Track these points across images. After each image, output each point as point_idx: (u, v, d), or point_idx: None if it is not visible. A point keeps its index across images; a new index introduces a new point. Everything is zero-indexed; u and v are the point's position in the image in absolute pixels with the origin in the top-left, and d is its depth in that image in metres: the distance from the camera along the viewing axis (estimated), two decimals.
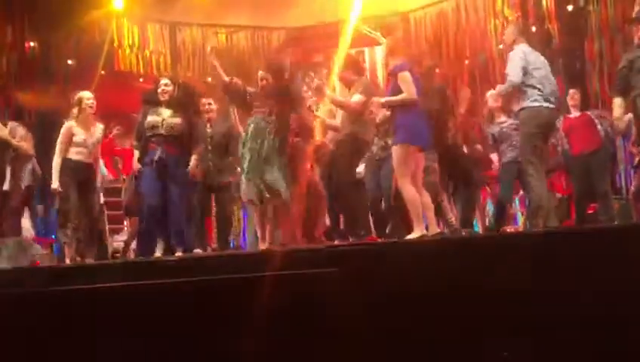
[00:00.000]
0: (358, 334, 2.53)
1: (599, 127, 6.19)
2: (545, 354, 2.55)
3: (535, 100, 4.68)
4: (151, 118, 5.17)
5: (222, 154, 5.76)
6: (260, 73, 5.27)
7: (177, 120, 5.16)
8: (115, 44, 9.72)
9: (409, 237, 4.31)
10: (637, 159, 6.41)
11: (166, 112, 5.18)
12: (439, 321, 2.53)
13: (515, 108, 4.88)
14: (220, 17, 10.47)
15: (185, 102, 5.29)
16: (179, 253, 4.96)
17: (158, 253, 5.03)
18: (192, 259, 3.88)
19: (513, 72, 4.71)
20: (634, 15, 4.57)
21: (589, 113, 6.34)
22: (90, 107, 5.42)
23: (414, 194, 4.33)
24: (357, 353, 2.50)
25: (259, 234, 5.25)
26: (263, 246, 5.06)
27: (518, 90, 4.72)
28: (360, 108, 5.07)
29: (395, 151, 4.40)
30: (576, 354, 2.57)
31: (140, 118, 5.31)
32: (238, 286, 2.63)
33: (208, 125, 5.79)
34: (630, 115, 5.01)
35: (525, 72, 4.68)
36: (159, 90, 5.26)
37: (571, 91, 6.49)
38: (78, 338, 2.48)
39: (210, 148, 5.68)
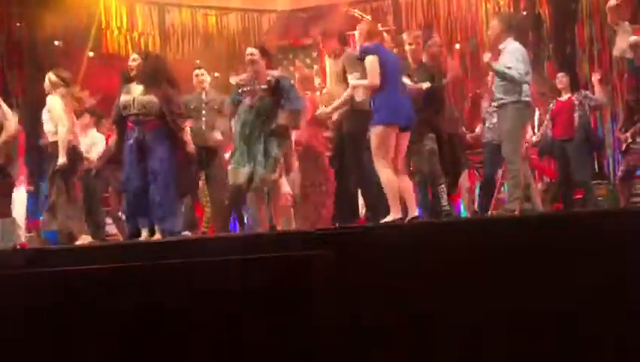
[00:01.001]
0: (347, 318, 2.55)
1: (576, 113, 6.25)
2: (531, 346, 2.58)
3: (527, 95, 4.76)
4: (123, 98, 4.90)
5: (215, 121, 5.70)
6: (250, 49, 5.05)
7: (149, 97, 4.83)
8: (104, 25, 9.61)
9: (384, 220, 4.30)
10: (624, 145, 6.45)
11: (137, 90, 4.89)
12: (422, 308, 2.55)
13: (503, 97, 4.87)
14: None
15: (156, 75, 4.92)
16: (159, 236, 4.76)
17: (143, 237, 4.81)
18: (179, 242, 3.88)
19: (517, 67, 4.70)
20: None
21: (573, 98, 6.37)
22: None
23: (391, 177, 4.30)
24: (342, 336, 2.52)
25: (258, 217, 5.20)
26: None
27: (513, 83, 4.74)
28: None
29: (373, 132, 4.36)
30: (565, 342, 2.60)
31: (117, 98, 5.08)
32: (225, 268, 2.64)
33: (204, 93, 5.78)
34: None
35: (526, 66, 4.74)
36: (128, 66, 5.04)
37: (559, 75, 6.55)
38: (59, 322, 2.48)
39: (204, 112, 5.66)
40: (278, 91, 4.90)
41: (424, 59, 5.43)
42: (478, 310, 2.61)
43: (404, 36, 5.59)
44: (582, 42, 8.78)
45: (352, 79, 4.91)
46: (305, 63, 10.48)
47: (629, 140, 6.20)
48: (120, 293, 2.44)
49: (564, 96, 6.40)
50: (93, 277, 2.51)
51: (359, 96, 4.93)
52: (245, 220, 6.49)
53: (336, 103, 5.08)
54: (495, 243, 2.75)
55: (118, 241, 6.13)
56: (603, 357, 2.54)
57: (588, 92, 6.44)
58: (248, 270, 2.51)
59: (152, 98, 4.83)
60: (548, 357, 2.58)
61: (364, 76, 4.53)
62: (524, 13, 9.05)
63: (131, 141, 4.85)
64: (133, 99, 4.85)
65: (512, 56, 4.77)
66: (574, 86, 6.45)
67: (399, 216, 4.28)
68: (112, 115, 5.17)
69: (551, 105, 6.45)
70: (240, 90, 5.02)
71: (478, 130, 6.38)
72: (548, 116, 6.45)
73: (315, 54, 10.44)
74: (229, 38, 10.68)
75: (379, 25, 6.12)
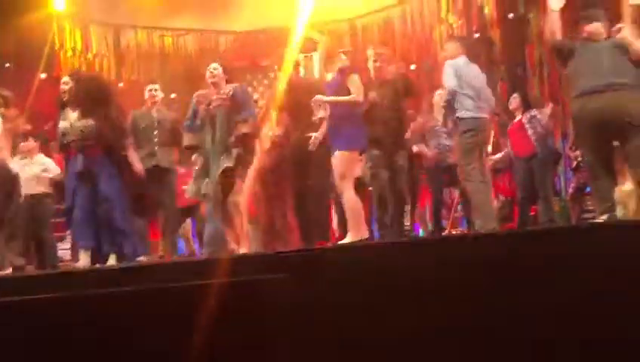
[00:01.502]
0: (305, 340, 2.53)
1: (529, 131, 6.36)
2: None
3: (470, 110, 4.82)
4: (61, 125, 4.74)
5: (167, 139, 5.55)
6: (213, 64, 4.99)
7: (85, 121, 4.60)
8: (57, 46, 9.45)
9: (345, 241, 4.33)
10: (574, 162, 6.65)
11: (73, 115, 4.69)
12: (380, 328, 2.55)
13: (450, 115, 4.98)
14: (167, 20, 10.34)
15: (90, 98, 4.71)
16: (112, 261, 4.59)
17: (82, 263, 4.57)
18: (135, 267, 3.79)
19: (447, 81, 4.84)
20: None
21: (521, 118, 6.49)
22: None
23: (355, 199, 4.37)
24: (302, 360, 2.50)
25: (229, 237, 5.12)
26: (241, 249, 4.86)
27: (455, 100, 4.84)
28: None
29: (337, 157, 4.42)
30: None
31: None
32: (182, 294, 2.59)
33: (155, 111, 5.60)
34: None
35: (459, 81, 4.80)
36: (61, 90, 4.90)
37: (511, 97, 6.69)
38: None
39: (156, 133, 5.49)
40: (234, 101, 4.83)
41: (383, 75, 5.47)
42: (435, 330, 2.63)
43: (369, 52, 5.61)
44: (532, 64, 9.07)
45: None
46: (263, 84, 10.53)
47: (579, 158, 6.41)
48: (64, 324, 2.36)
49: (518, 117, 6.53)
50: (32, 308, 2.43)
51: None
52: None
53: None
54: (454, 263, 2.77)
55: (65, 268, 5.89)
56: None
57: (535, 111, 6.60)
58: (203, 296, 2.47)
59: (89, 122, 4.60)
60: None
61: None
62: (477, 35, 9.30)
63: (75, 168, 4.64)
64: (70, 126, 4.66)
65: (445, 72, 4.89)
66: (526, 106, 6.61)
67: (366, 235, 4.32)
68: (58, 142, 4.99)
69: (510, 125, 6.57)
70: (197, 105, 4.92)
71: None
72: (508, 135, 6.59)
73: (272, 75, 10.48)
74: (186, 58, 10.64)
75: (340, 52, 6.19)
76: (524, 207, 6.52)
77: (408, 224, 5.54)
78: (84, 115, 4.63)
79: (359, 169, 5.27)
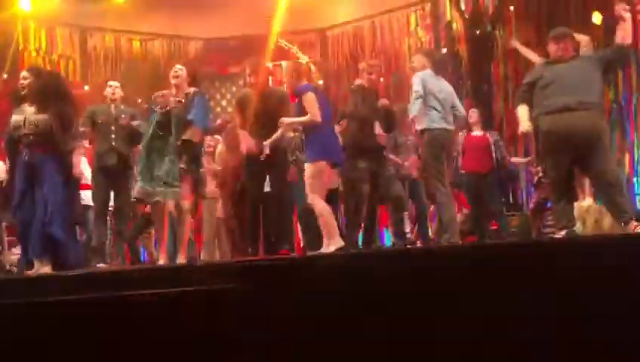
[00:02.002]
0: (269, 352, 2.52)
1: (494, 153, 6.41)
2: None
3: (435, 122, 4.88)
4: (14, 118, 4.56)
5: (126, 136, 5.40)
6: (178, 66, 5.01)
7: (41, 116, 4.48)
8: (21, 47, 9.27)
9: (323, 250, 4.34)
10: (536, 178, 6.78)
11: (29, 109, 4.55)
12: (352, 339, 2.55)
13: (418, 127, 5.05)
14: (135, 24, 10.24)
15: (48, 92, 4.58)
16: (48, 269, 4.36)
17: (36, 269, 4.37)
18: (95, 275, 3.72)
19: (415, 89, 4.90)
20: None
21: (488, 136, 6.53)
22: None
23: (326, 208, 4.42)
24: None
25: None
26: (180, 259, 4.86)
27: (422, 112, 4.90)
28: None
29: (307, 167, 4.47)
30: None
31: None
32: (143, 303, 2.55)
33: (113, 106, 5.46)
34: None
35: (425, 93, 4.87)
36: (19, 85, 4.73)
37: (470, 110, 6.64)
38: None
39: (113, 128, 5.36)
40: (190, 105, 4.80)
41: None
42: (405, 341, 2.64)
43: (362, 65, 5.65)
44: (497, 79, 9.25)
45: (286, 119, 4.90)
46: (231, 92, 10.50)
47: (540, 174, 6.54)
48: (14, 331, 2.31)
49: (476, 132, 6.52)
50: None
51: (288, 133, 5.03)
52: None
53: (301, 119, 4.67)
54: (426, 275, 2.80)
55: (16, 275, 5.67)
56: None
57: (496, 134, 6.67)
58: (160, 305, 2.44)
59: (45, 117, 4.49)
60: None
61: (297, 114, 4.58)
62: (444, 50, 9.45)
63: (22, 165, 4.50)
64: (25, 119, 4.51)
65: (413, 82, 4.96)
66: (486, 122, 6.64)
67: (342, 244, 4.32)
68: (4, 138, 4.83)
69: (460, 138, 6.45)
70: (156, 105, 4.87)
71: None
72: (459, 149, 6.48)
73: (241, 82, 10.46)
74: (153, 63, 10.55)
75: (309, 63, 6.24)
76: (478, 221, 6.50)
77: (408, 231, 5.55)
78: (40, 110, 4.51)
79: (335, 181, 5.29)
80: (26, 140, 4.48)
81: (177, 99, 4.82)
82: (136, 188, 4.86)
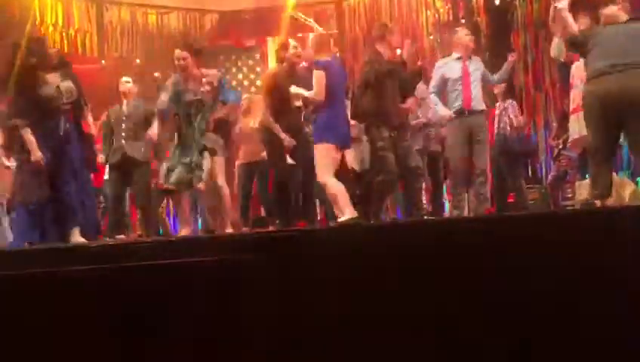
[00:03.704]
0: (286, 322, 2.53)
1: (495, 124, 6.42)
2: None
3: (456, 108, 5.05)
4: (44, 90, 4.39)
5: (138, 133, 5.50)
6: (177, 52, 4.85)
7: (68, 83, 4.47)
8: (38, 21, 9.28)
9: (341, 220, 4.34)
10: (556, 151, 6.70)
11: (54, 78, 4.47)
12: (362, 309, 2.56)
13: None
14: None
15: (60, 58, 4.68)
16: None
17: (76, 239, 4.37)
18: (114, 246, 3.77)
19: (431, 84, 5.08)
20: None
21: (494, 109, 6.50)
22: None
23: (337, 184, 4.38)
24: (283, 343, 2.50)
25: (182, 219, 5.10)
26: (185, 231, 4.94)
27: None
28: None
29: (316, 149, 4.45)
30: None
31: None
32: (161, 272, 2.58)
33: (125, 105, 5.55)
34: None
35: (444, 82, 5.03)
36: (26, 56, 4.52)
37: None
38: None
39: (123, 126, 5.45)
40: (217, 90, 4.84)
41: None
42: (417, 314, 2.64)
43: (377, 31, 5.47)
44: (517, 50, 9.08)
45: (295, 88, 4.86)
46: (247, 65, 10.46)
47: (560, 146, 6.46)
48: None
49: (498, 104, 6.53)
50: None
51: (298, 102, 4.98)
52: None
53: (304, 93, 4.73)
54: (434, 246, 2.79)
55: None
56: None
57: (509, 102, 6.60)
58: (177, 274, 2.47)
59: (70, 83, 4.46)
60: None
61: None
62: (463, 21, 9.29)
63: (66, 137, 4.42)
64: (58, 87, 4.40)
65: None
66: (510, 93, 6.61)
67: (355, 214, 4.32)
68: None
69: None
70: (179, 89, 4.82)
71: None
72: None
73: (257, 56, 10.42)
74: (169, 37, 10.53)
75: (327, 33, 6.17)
76: (499, 194, 6.54)
77: (426, 203, 5.48)
78: (63, 76, 4.47)
79: (350, 159, 5.24)
80: (63, 108, 4.39)
81: (205, 88, 4.76)
82: (172, 177, 4.72)
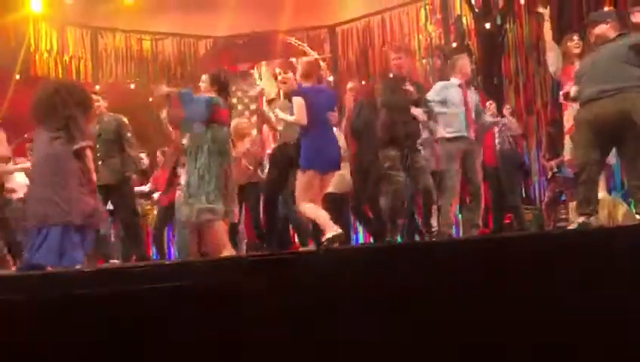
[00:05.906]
0: (280, 345, 2.52)
1: (496, 140, 6.51)
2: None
3: (455, 131, 5.04)
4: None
5: (111, 152, 5.25)
6: (204, 77, 4.72)
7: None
8: (32, 48, 9.34)
9: (326, 238, 4.26)
10: (549, 173, 6.73)
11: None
12: (362, 331, 2.55)
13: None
14: (145, 24, 10.30)
15: None
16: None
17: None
18: (109, 271, 3.75)
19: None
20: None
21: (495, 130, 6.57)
22: None
23: (312, 206, 4.35)
24: None
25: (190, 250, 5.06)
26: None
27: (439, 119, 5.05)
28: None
29: (299, 175, 4.42)
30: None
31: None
32: (158, 297, 2.56)
33: (97, 121, 5.24)
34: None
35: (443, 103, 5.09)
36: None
37: (487, 103, 6.62)
38: None
39: (97, 146, 5.10)
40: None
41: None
42: (413, 333, 2.63)
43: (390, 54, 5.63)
44: (508, 73, 9.20)
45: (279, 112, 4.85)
46: (242, 89, 10.52)
47: (554, 169, 6.50)
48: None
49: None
50: None
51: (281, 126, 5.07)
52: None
53: (287, 118, 4.69)
54: (431, 267, 2.78)
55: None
56: None
57: (506, 119, 6.68)
58: (175, 298, 2.45)
59: None
60: None
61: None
62: (454, 45, 9.41)
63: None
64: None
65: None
66: (501, 115, 6.68)
67: (338, 231, 4.25)
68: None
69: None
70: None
71: None
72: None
73: (252, 80, 10.49)
74: (164, 62, 10.61)
75: (319, 60, 6.20)
76: (497, 213, 6.58)
77: (436, 226, 5.39)
78: None
79: (346, 185, 5.39)
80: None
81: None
82: (197, 208, 4.33)
